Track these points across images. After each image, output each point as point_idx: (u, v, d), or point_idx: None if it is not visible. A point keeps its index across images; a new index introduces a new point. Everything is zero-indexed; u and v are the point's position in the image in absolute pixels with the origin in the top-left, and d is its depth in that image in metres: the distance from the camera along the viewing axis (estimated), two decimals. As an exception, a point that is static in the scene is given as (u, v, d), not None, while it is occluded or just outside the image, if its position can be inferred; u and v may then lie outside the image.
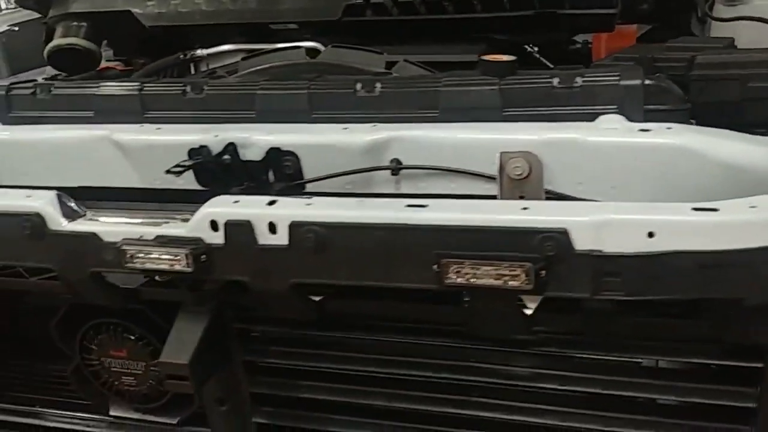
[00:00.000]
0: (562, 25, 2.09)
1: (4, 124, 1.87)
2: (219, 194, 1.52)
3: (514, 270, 1.14)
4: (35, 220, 1.36)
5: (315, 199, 1.30)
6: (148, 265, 1.30)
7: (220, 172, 1.56)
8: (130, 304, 1.47)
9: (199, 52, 2.18)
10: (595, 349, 1.33)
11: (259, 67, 2.00)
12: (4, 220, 1.38)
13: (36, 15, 2.64)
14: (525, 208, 1.17)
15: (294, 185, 1.56)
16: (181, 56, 2.19)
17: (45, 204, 1.37)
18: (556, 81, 1.53)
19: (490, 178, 1.45)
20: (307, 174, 1.57)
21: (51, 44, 2.31)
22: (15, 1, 2.49)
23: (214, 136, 1.59)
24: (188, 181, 1.65)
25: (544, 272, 1.13)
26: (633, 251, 1.11)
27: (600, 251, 1.12)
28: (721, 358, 1.23)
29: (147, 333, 1.53)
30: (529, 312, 1.22)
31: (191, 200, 1.61)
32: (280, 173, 1.58)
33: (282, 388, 1.52)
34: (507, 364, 1.37)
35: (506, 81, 1.56)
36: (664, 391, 1.30)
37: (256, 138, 1.56)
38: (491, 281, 1.16)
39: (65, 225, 1.36)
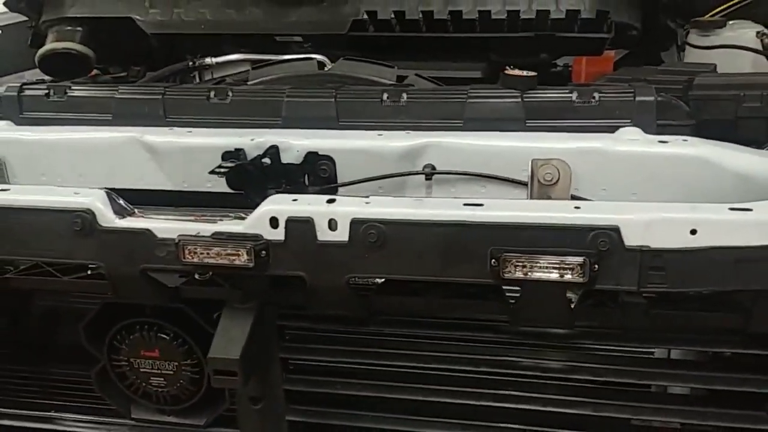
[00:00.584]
0: (557, 47, 2.23)
1: (16, 124, 1.85)
2: (252, 196, 1.58)
3: (570, 264, 1.23)
4: (85, 217, 1.36)
5: (372, 198, 1.36)
6: (207, 261, 1.33)
7: (257, 174, 1.60)
8: (172, 302, 1.48)
9: (208, 60, 2.20)
10: (624, 342, 1.43)
11: (270, 77, 2.05)
12: (52, 216, 1.38)
13: (21, 18, 2.59)
14: (577, 207, 1.27)
15: (329, 188, 1.61)
16: (190, 63, 2.20)
17: (95, 200, 1.38)
18: (575, 96, 1.66)
19: (521, 183, 1.55)
20: (341, 178, 1.63)
21: (45, 48, 2.27)
22: (3, 4, 2.44)
23: (250, 139, 1.63)
24: (216, 184, 1.68)
25: (596, 266, 1.23)
26: (677, 246, 1.22)
27: (648, 247, 1.22)
28: (746, 348, 1.34)
29: (183, 332, 1.54)
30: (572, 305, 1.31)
31: (217, 203, 1.65)
32: (315, 176, 1.63)
33: (318, 386, 1.55)
34: (544, 358, 1.45)
35: (528, 94, 1.67)
36: (689, 381, 1.41)
37: (295, 142, 1.61)
38: (548, 275, 1.24)
39: (117, 222, 1.37)
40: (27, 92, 1.88)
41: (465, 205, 1.30)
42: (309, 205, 1.33)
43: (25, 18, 2.51)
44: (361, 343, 1.53)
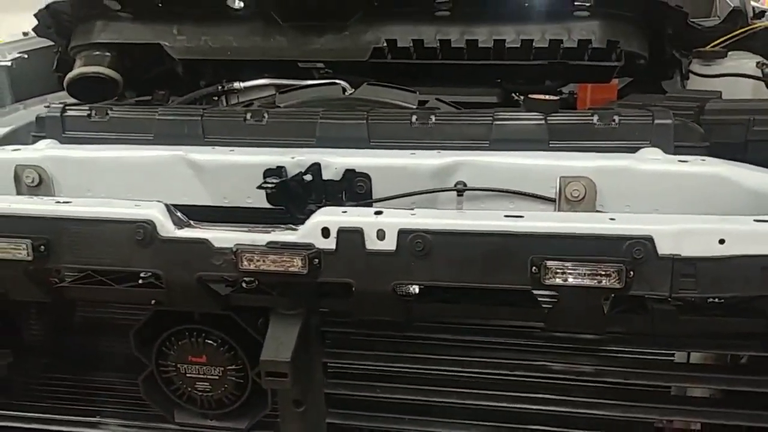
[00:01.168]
0: (568, 75, 2.35)
1: (60, 143, 1.92)
2: (293, 212, 1.66)
3: (607, 271, 1.33)
4: (146, 227, 1.44)
5: (417, 210, 1.45)
6: (263, 268, 1.41)
7: (300, 190, 1.68)
8: (223, 310, 1.55)
9: (236, 84, 2.29)
10: (650, 346, 1.52)
11: (299, 100, 2.15)
12: (115, 227, 1.45)
13: (44, 44, 2.67)
14: (612, 219, 1.37)
15: (365, 203, 1.70)
16: (219, 87, 2.29)
17: (156, 212, 1.45)
18: (596, 118, 1.77)
19: (548, 199, 1.65)
20: (375, 194, 1.72)
21: (74, 72, 2.36)
22: (33, 29, 2.52)
23: (291, 157, 1.71)
24: (256, 200, 1.76)
25: (632, 273, 1.32)
26: (707, 255, 1.31)
27: (679, 255, 1.32)
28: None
29: (229, 338, 1.60)
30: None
31: (255, 219, 1.73)
32: (352, 193, 1.72)
33: (357, 390, 1.62)
34: (574, 362, 1.54)
35: (552, 117, 1.78)
36: (715, 383, 1.50)
37: (334, 160, 1.70)
38: (586, 281, 1.34)
39: (176, 232, 1.44)
40: (70, 113, 1.96)
41: (506, 216, 1.39)
42: (359, 216, 1.42)
43: (49, 44, 2.60)
44: (398, 348, 1.60)
